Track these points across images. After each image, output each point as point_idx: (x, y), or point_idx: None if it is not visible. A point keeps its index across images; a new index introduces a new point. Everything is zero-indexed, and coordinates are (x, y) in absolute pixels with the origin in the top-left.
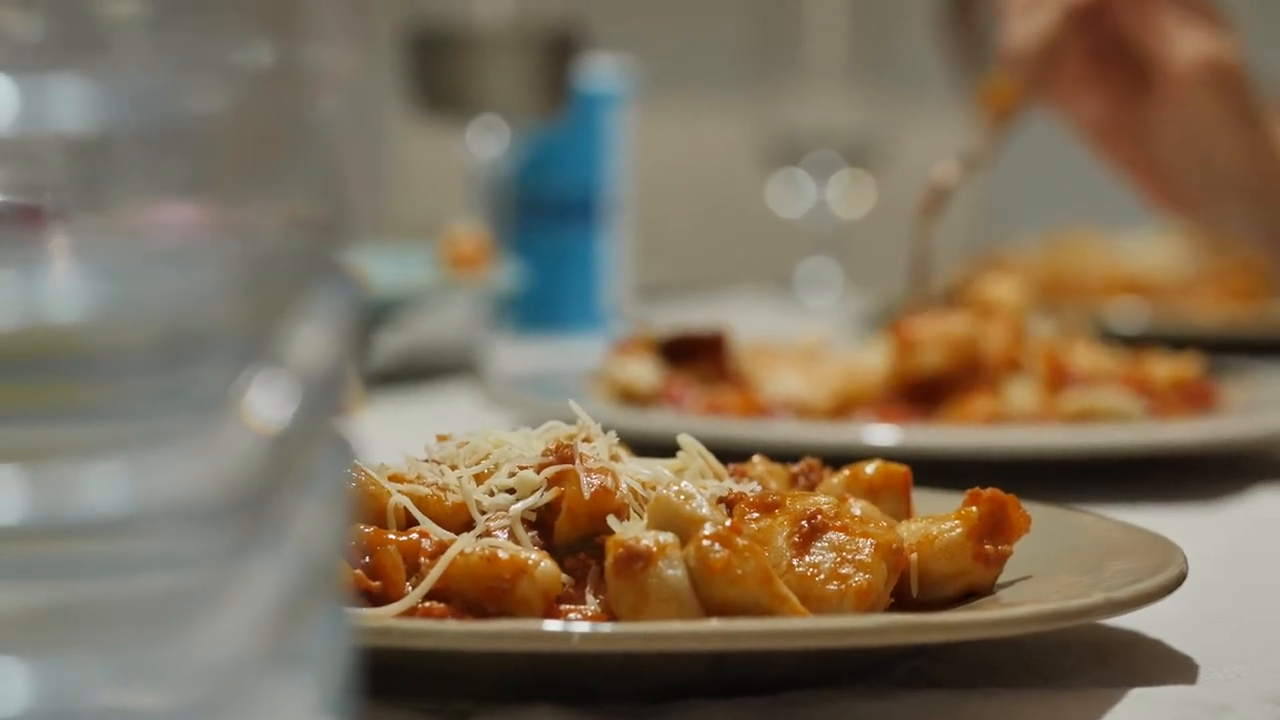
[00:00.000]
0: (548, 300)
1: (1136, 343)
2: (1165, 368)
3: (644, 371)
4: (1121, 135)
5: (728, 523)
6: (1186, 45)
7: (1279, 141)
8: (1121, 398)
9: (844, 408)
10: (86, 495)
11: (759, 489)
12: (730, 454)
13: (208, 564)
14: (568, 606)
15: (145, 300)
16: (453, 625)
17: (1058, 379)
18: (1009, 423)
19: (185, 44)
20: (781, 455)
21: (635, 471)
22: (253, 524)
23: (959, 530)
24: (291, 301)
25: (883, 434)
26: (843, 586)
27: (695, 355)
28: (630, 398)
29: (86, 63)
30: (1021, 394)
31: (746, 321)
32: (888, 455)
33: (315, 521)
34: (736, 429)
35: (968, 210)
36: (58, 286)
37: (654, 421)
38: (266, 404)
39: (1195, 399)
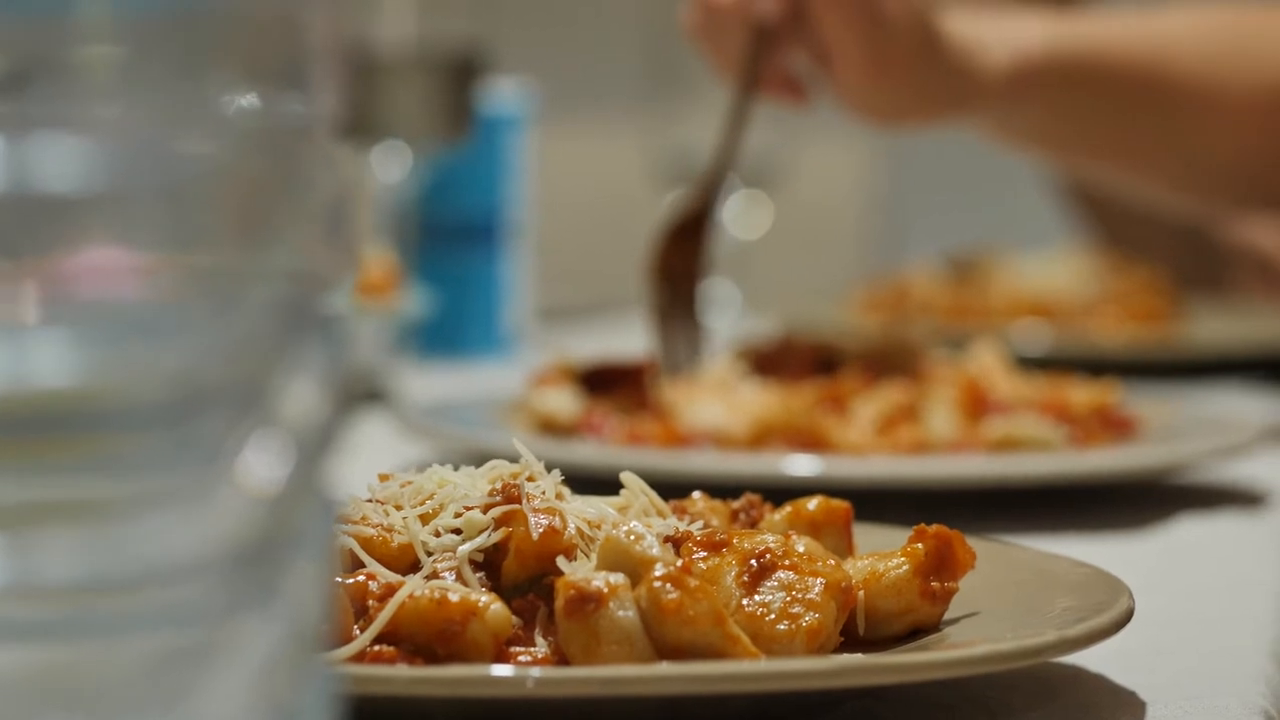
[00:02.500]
0: (450, 325)
1: (1041, 365)
2: (1083, 394)
3: (564, 402)
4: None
5: (679, 563)
6: None
7: None
8: (1043, 425)
9: (763, 436)
10: (76, 556)
11: (704, 527)
12: (653, 486)
13: (204, 624)
14: (517, 649)
15: (138, 359)
16: (405, 671)
17: (977, 407)
18: (932, 452)
19: (165, 92)
20: (704, 486)
21: (580, 510)
22: (248, 582)
23: (906, 567)
24: (281, 356)
25: (806, 464)
26: (793, 626)
27: (615, 385)
28: (550, 428)
29: (60, 112)
30: (942, 422)
31: (644, 344)
32: (810, 486)
33: (305, 578)
34: (659, 460)
35: (862, 239)
36: (46, 346)
37: (576, 452)
38: (261, 461)
39: (1115, 425)
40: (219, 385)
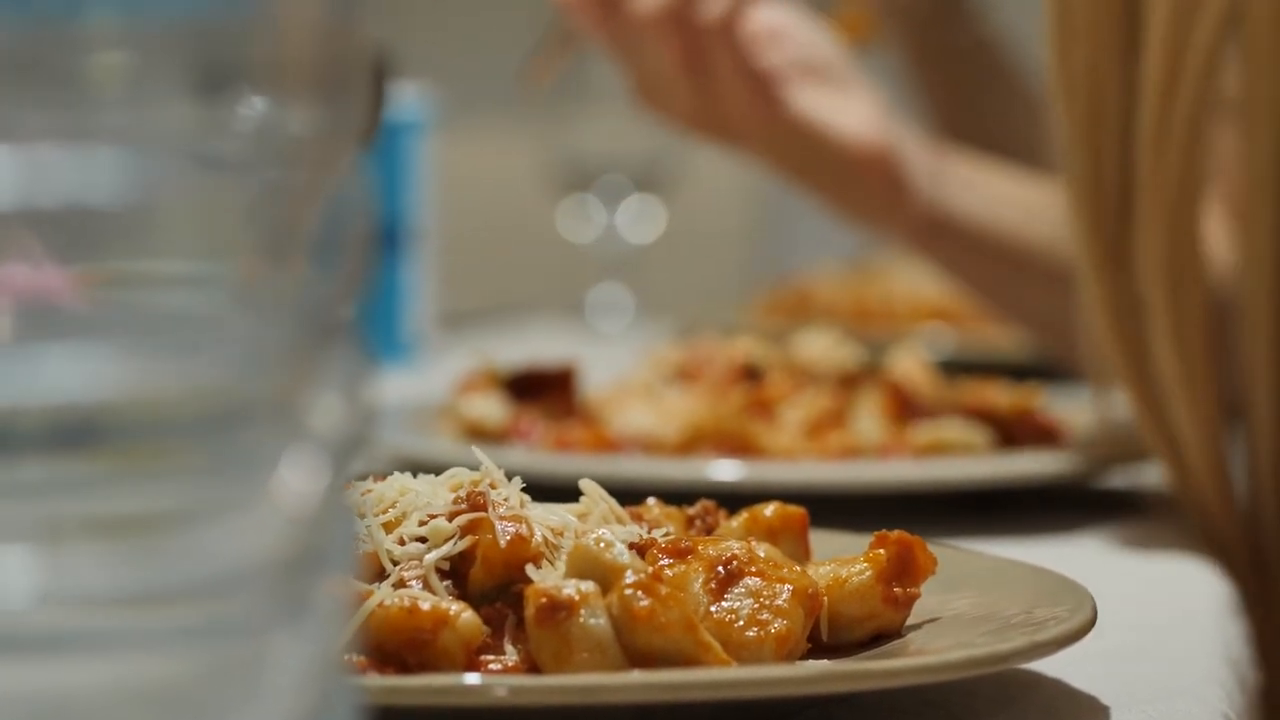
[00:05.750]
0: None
1: (948, 369)
2: (1005, 398)
3: (491, 407)
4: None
5: (649, 570)
6: None
7: None
8: (970, 430)
9: (693, 442)
10: (120, 568)
11: (666, 534)
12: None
13: (244, 638)
14: (487, 657)
15: (176, 371)
16: (377, 680)
17: (902, 412)
18: (861, 457)
19: (189, 101)
20: (637, 492)
21: (543, 518)
22: (285, 596)
23: (868, 573)
24: (311, 368)
25: (741, 470)
26: (762, 633)
27: (541, 390)
28: (478, 434)
29: (80, 122)
30: (870, 427)
31: (542, 348)
32: (746, 491)
33: (332, 592)
34: (592, 466)
35: (753, 243)
36: (81, 358)
37: (506, 458)
38: (297, 475)
39: (1039, 430)
40: (254, 398)
